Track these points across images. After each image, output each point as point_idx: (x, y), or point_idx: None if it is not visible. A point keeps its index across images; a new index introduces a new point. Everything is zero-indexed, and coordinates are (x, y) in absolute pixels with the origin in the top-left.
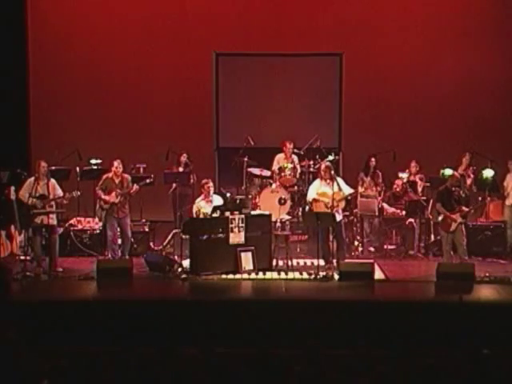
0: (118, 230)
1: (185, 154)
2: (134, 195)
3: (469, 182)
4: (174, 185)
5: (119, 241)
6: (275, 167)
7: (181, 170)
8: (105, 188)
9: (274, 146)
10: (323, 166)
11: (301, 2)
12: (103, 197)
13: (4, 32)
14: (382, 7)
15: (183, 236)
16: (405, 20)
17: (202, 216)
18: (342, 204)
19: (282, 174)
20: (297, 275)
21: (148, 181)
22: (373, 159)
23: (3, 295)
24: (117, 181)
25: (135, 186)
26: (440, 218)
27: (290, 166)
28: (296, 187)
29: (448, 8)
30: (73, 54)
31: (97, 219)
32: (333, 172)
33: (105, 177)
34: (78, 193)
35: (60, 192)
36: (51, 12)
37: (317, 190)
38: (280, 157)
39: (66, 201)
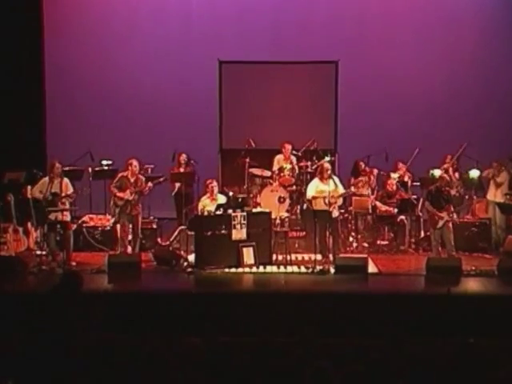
0: (130, 226)
1: (184, 155)
2: (146, 193)
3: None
4: (177, 185)
5: (129, 237)
6: (275, 167)
7: (182, 170)
8: (119, 186)
9: (274, 147)
10: (325, 165)
11: (299, 13)
12: (118, 194)
13: (20, 36)
14: (375, 18)
15: (189, 232)
16: (396, 30)
17: (206, 213)
18: (340, 201)
19: (282, 174)
20: (295, 269)
21: (161, 179)
22: (361, 163)
23: (78, 291)
24: (132, 180)
25: (149, 184)
26: (427, 216)
27: (289, 166)
28: (294, 186)
29: (442, 17)
30: (86, 61)
31: (108, 216)
32: (330, 171)
33: (120, 175)
34: (88, 191)
35: (72, 190)
36: (66, 20)
37: (315, 188)
38: (280, 158)
39: (71, 199)
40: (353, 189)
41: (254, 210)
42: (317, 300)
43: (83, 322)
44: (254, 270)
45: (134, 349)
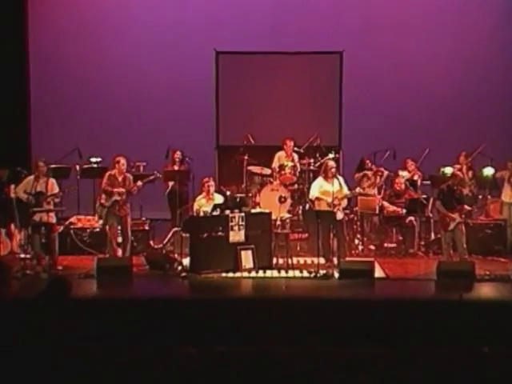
0: (119, 228)
1: (178, 152)
2: (135, 193)
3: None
4: (171, 184)
5: (119, 239)
6: (275, 165)
7: (176, 168)
8: (110, 185)
9: (274, 144)
10: (330, 164)
11: (301, 0)
12: (116, 190)
13: (4, 31)
14: (381, 6)
15: (183, 234)
16: (404, 18)
17: (202, 214)
18: (344, 202)
19: (282, 172)
20: (297, 273)
21: (152, 177)
22: (367, 161)
23: (66, 298)
24: (120, 178)
25: (138, 183)
26: (438, 217)
27: (290, 164)
28: (296, 185)
29: (448, 7)
30: (73, 52)
31: (97, 217)
32: (334, 170)
33: (108, 174)
34: (74, 189)
35: (57, 190)
36: (52, 11)
37: (319, 188)
38: (280, 155)
39: (57, 199)
40: (358, 190)
41: (253, 211)
42: (320, 306)
43: (71, 331)
44: (253, 274)
45: (125, 359)
